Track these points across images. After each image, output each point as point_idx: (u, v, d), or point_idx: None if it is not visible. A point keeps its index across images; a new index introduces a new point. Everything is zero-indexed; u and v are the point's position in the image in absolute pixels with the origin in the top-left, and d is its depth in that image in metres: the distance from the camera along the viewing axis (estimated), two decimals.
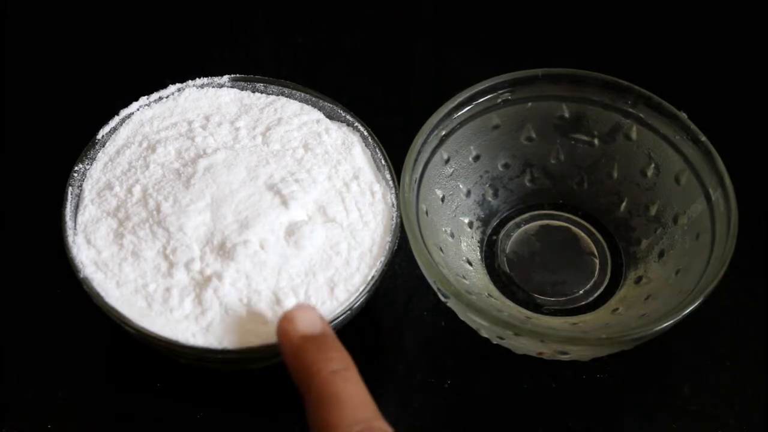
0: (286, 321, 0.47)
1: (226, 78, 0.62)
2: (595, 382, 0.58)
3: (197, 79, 0.62)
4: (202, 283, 0.54)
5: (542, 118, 0.62)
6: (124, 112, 0.60)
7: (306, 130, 0.60)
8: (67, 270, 0.54)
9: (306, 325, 0.47)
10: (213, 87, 0.62)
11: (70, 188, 0.57)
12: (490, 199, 0.63)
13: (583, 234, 0.63)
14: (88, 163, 0.58)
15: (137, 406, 0.58)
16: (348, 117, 0.61)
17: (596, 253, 0.62)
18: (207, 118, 0.60)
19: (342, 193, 0.58)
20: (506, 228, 0.63)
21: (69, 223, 0.56)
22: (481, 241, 0.62)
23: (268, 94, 0.62)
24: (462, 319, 0.56)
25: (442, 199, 0.60)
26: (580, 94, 0.61)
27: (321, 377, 0.44)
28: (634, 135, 0.61)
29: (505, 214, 0.63)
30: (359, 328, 0.58)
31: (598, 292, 0.60)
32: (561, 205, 0.64)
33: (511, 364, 0.58)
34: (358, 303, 0.54)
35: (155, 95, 0.61)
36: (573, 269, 0.61)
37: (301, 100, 0.62)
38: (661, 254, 0.59)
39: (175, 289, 0.53)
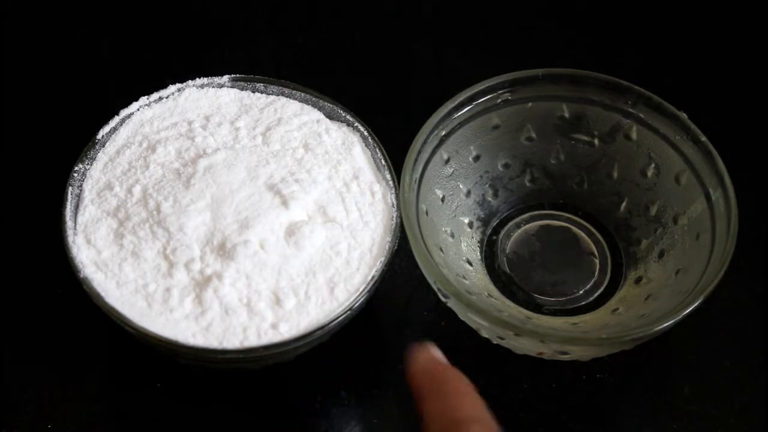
0: (423, 347, 0.49)
1: (226, 78, 0.62)
2: (595, 382, 0.58)
3: (197, 79, 0.62)
4: (202, 283, 0.54)
5: (542, 118, 0.62)
6: (124, 112, 0.60)
7: (306, 130, 0.60)
8: (67, 270, 0.54)
9: (440, 356, 0.48)
10: (213, 87, 0.62)
11: (70, 188, 0.57)
12: (490, 199, 0.63)
13: (583, 234, 0.63)
14: (88, 163, 0.58)
15: (137, 406, 0.58)
16: (348, 117, 0.61)
17: (596, 253, 0.62)
18: (207, 118, 0.60)
19: (342, 193, 0.58)
20: (506, 228, 0.63)
21: (69, 223, 0.56)
22: (481, 241, 0.62)
23: (268, 94, 0.62)
24: (462, 319, 0.56)
25: (442, 199, 0.60)
26: (580, 94, 0.61)
27: (455, 381, 0.46)
28: (634, 135, 0.61)
29: (505, 214, 0.63)
30: (359, 328, 0.58)
31: (598, 292, 0.60)
32: (561, 205, 0.64)
33: (511, 364, 0.58)
34: (358, 303, 0.54)
35: (155, 95, 0.61)
36: (573, 269, 0.61)
37: (301, 100, 0.62)
38: (661, 254, 0.59)
39: (175, 289, 0.53)
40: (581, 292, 0.60)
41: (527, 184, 0.64)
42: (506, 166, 0.63)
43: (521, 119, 0.62)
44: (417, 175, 0.58)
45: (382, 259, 0.56)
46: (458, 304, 0.54)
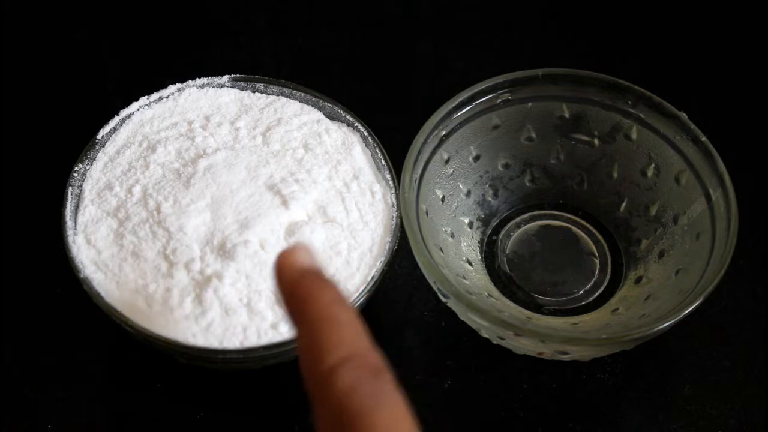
0: (284, 254, 0.43)
1: (226, 78, 0.62)
2: (595, 382, 0.58)
3: (197, 79, 0.62)
4: (203, 283, 0.54)
5: (542, 118, 0.62)
6: (124, 112, 0.60)
7: (306, 131, 0.60)
8: (67, 270, 0.54)
9: (305, 260, 0.42)
10: (213, 87, 0.62)
11: (70, 188, 0.57)
12: (490, 199, 0.63)
13: (583, 234, 0.63)
14: (88, 163, 0.58)
15: (137, 406, 0.58)
16: (348, 117, 0.61)
17: (596, 253, 0.62)
18: (207, 118, 0.60)
19: (342, 193, 0.58)
20: (506, 228, 0.63)
21: (69, 223, 0.56)
22: (481, 242, 0.62)
23: (268, 94, 0.62)
24: (462, 319, 0.56)
25: (442, 199, 0.60)
26: (580, 94, 0.61)
27: (319, 303, 0.40)
28: (634, 135, 0.61)
29: (505, 215, 0.63)
30: None
31: (598, 292, 0.60)
32: (561, 205, 0.64)
33: (511, 364, 0.58)
34: (358, 303, 0.54)
35: (155, 95, 0.61)
36: (573, 269, 0.61)
37: (301, 100, 0.62)
38: (661, 254, 0.59)
39: (176, 289, 0.53)
40: (581, 292, 0.60)
41: (527, 184, 0.64)
42: (506, 166, 0.63)
43: (521, 119, 0.62)
44: (417, 175, 0.58)
45: (382, 259, 0.56)
46: (458, 304, 0.54)
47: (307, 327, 0.40)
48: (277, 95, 0.62)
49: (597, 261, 0.62)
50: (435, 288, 0.56)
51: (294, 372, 0.58)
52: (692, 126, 0.59)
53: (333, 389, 0.37)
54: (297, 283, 0.41)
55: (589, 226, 0.63)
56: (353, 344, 0.39)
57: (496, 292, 0.60)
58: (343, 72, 0.74)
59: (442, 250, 0.58)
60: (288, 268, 0.42)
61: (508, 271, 0.61)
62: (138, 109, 0.61)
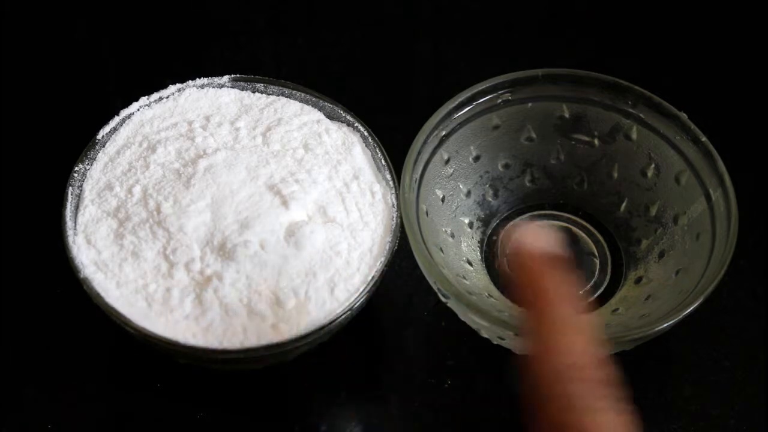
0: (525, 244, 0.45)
1: (226, 78, 0.62)
2: None
3: (197, 79, 0.62)
4: (203, 283, 0.54)
5: (542, 118, 0.62)
6: (124, 113, 0.60)
7: (306, 131, 0.60)
8: (67, 270, 0.54)
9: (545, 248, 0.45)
10: (213, 87, 0.62)
11: (71, 188, 0.57)
12: (490, 199, 0.63)
13: (583, 234, 0.63)
14: (88, 164, 0.58)
15: (137, 406, 0.58)
16: (348, 117, 0.61)
17: (596, 253, 0.62)
18: (207, 119, 0.60)
19: (342, 193, 0.58)
20: (506, 228, 0.63)
21: (69, 223, 0.56)
22: (481, 242, 0.62)
23: (268, 94, 0.62)
24: (462, 319, 0.56)
25: (443, 200, 0.60)
26: (580, 94, 0.61)
27: (554, 298, 0.43)
28: (634, 135, 0.61)
29: (505, 215, 0.63)
30: (359, 328, 0.58)
31: (598, 292, 0.60)
32: (561, 205, 0.64)
33: (511, 364, 0.58)
34: (358, 303, 0.54)
35: (155, 95, 0.61)
36: (573, 269, 0.61)
37: (301, 101, 0.62)
38: (661, 254, 0.59)
39: (176, 290, 0.53)
40: (581, 292, 0.60)
41: (527, 184, 0.64)
42: (506, 166, 0.63)
43: (521, 119, 0.62)
44: (417, 175, 0.58)
45: (382, 259, 0.56)
46: (458, 304, 0.54)
47: (540, 325, 0.43)
48: (277, 95, 0.62)
49: (597, 261, 0.62)
50: (435, 288, 0.56)
51: (294, 372, 0.59)
52: (692, 126, 0.59)
53: (565, 388, 0.41)
54: (537, 273, 0.44)
55: (589, 226, 0.63)
56: (584, 352, 0.42)
57: (496, 293, 0.60)
58: (343, 72, 0.74)
59: (442, 251, 0.58)
60: (529, 255, 0.44)
61: (509, 271, 0.61)
62: (138, 110, 0.61)
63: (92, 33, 0.75)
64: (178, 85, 0.62)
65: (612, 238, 0.62)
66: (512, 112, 0.62)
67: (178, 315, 0.53)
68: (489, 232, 0.63)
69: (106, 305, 0.53)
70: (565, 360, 0.42)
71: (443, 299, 0.56)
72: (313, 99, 0.62)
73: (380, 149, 0.60)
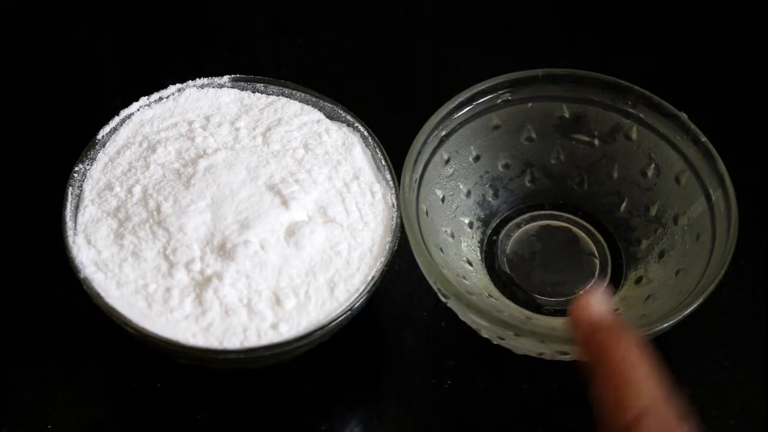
0: (581, 303, 0.46)
1: (226, 78, 0.62)
2: None
3: (197, 79, 0.62)
4: (203, 283, 0.54)
5: (542, 118, 0.62)
6: (124, 113, 0.60)
7: (306, 131, 0.60)
8: (67, 270, 0.54)
9: (601, 308, 0.45)
10: (213, 87, 0.62)
11: (71, 188, 0.57)
12: (490, 199, 0.63)
13: (583, 234, 0.63)
14: (88, 164, 0.58)
15: (137, 406, 0.58)
16: (348, 117, 0.61)
17: (596, 253, 0.62)
18: (207, 119, 0.60)
19: (342, 193, 0.58)
20: (506, 228, 0.63)
21: (69, 223, 0.56)
22: (481, 242, 0.62)
23: (268, 94, 0.62)
24: (462, 319, 0.56)
25: (443, 200, 0.60)
26: (580, 94, 0.61)
27: (618, 351, 0.43)
28: (634, 135, 0.61)
29: (505, 215, 0.63)
30: (359, 328, 0.58)
31: None
32: (561, 205, 0.64)
33: (511, 364, 0.58)
34: (358, 303, 0.54)
35: (155, 95, 0.61)
36: (573, 269, 0.61)
37: (301, 101, 0.62)
38: (661, 254, 0.59)
39: (176, 290, 0.53)
40: (581, 292, 0.60)
41: (527, 184, 0.64)
42: (506, 166, 0.63)
43: (521, 119, 0.62)
44: (417, 176, 0.58)
45: (382, 259, 0.56)
46: (458, 304, 0.54)
47: (606, 375, 0.42)
48: (277, 95, 0.62)
49: (597, 261, 0.62)
50: (435, 288, 0.56)
51: (294, 372, 0.59)
52: (692, 126, 0.59)
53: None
54: (596, 331, 0.44)
55: (589, 226, 0.63)
56: (651, 396, 0.42)
57: (496, 293, 0.60)
58: (343, 72, 0.74)
59: (442, 251, 0.58)
60: (586, 316, 0.45)
61: (508, 272, 0.61)
62: (138, 110, 0.61)
63: (92, 33, 0.75)
64: (178, 85, 0.62)
65: (612, 238, 0.62)
66: (512, 112, 0.62)
67: (178, 315, 0.53)
68: (489, 232, 0.63)
69: (106, 305, 0.53)
70: (636, 405, 0.42)
71: (443, 299, 0.56)
72: (313, 99, 0.62)
73: (380, 149, 0.60)
